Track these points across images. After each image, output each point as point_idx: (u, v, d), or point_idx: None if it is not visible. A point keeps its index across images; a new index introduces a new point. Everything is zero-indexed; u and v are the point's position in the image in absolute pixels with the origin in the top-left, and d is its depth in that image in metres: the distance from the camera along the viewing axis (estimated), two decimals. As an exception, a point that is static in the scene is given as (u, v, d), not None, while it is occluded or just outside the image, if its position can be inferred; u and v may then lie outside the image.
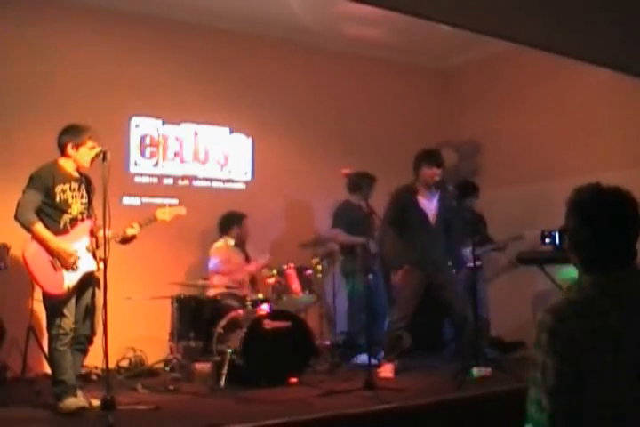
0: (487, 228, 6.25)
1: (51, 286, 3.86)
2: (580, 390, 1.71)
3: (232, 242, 5.80)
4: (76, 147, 4.02)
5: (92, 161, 4.06)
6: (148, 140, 6.16)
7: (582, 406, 1.71)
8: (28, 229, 3.89)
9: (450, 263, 5.32)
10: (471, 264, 5.30)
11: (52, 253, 3.87)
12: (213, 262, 5.66)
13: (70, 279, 3.90)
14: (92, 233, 4.04)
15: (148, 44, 6.08)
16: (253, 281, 5.85)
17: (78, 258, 3.93)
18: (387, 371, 5.00)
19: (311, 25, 6.48)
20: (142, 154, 6.14)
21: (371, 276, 5.72)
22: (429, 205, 5.21)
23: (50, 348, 3.96)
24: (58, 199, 3.96)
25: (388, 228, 5.30)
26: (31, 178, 3.97)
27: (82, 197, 4.08)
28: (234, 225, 5.81)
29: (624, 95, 5.90)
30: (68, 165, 4.07)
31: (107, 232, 3.84)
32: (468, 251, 5.73)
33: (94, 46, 5.83)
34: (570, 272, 1.85)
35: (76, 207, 4.03)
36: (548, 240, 5.74)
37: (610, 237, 1.81)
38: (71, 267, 3.90)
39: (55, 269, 3.87)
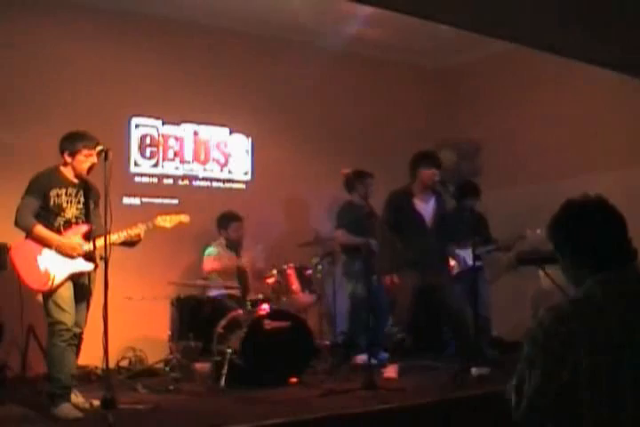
0: (489, 228, 6.24)
1: (34, 282, 3.93)
2: (563, 393, 1.72)
3: (223, 243, 5.79)
4: (72, 155, 4.07)
5: (89, 169, 4.10)
6: (148, 140, 6.16)
7: (562, 407, 1.73)
8: (30, 233, 3.97)
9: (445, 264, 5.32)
10: (473, 265, 5.31)
11: (57, 249, 3.95)
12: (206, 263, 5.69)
13: (56, 277, 3.93)
14: (87, 237, 4.05)
15: (148, 43, 6.08)
16: (246, 285, 5.83)
17: (82, 249, 3.99)
18: (390, 371, 4.99)
19: (311, 25, 6.48)
20: (142, 154, 6.13)
21: (375, 276, 5.73)
22: (426, 207, 5.19)
23: (49, 343, 3.96)
24: (52, 203, 4.02)
25: (384, 231, 5.29)
26: (29, 183, 4.05)
27: (79, 202, 4.12)
28: (221, 229, 5.80)
29: (624, 95, 5.90)
30: (67, 170, 4.13)
31: (109, 233, 3.86)
32: (463, 252, 5.73)
33: (94, 46, 5.82)
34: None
35: (71, 211, 4.08)
36: None
37: (593, 238, 1.86)
38: (77, 256, 3.98)
39: (40, 266, 3.92)
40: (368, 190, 5.71)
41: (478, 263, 5.59)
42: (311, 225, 6.60)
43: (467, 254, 5.69)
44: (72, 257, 3.98)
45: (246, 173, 6.63)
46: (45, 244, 3.96)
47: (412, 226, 5.15)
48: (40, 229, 3.95)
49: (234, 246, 5.83)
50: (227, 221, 5.78)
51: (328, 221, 6.17)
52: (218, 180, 6.48)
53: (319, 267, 5.67)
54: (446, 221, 5.23)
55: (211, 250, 5.75)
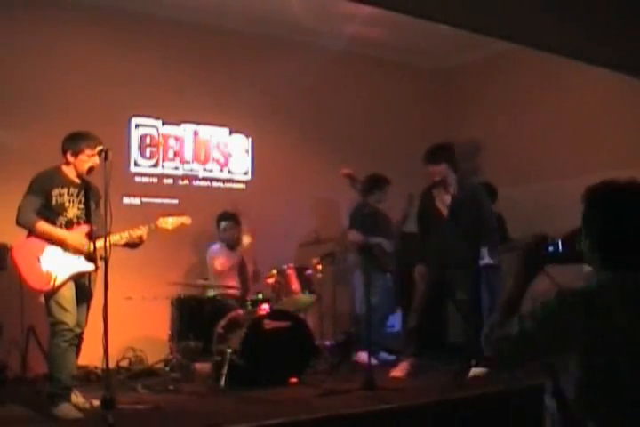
0: (507, 228, 6.22)
1: (35, 282, 3.93)
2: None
3: (223, 243, 5.80)
4: (75, 155, 4.08)
5: (90, 170, 4.11)
6: (148, 140, 6.15)
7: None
8: (32, 229, 3.97)
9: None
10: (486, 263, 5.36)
11: (60, 243, 3.96)
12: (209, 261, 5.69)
13: (58, 277, 3.94)
14: (88, 237, 4.05)
15: (148, 44, 6.08)
16: (245, 284, 5.84)
17: (87, 242, 4.00)
18: (397, 370, 4.99)
19: (311, 25, 6.48)
20: (142, 154, 6.13)
21: (388, 275, 5.76)
22: (443, 202, 5.23)
23: (50, 343, 3.96)
24: (54, 202, 4.03)
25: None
26: (31, 182, 4.05)
27: (80, 202, 4.13)
28: (217, 229, 5.82)
29: (624, 94, 5.90)
30: (69, 170, 4.13)
31: (110, 233, 3.87)
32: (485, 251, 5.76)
33: (94, 46, 5.81)
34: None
35: (73, 211, 4.09)
36: (551, 248, 5.75)
37: (630, 228, 1.80)
38: (83, 250, 3.98)
39: (42, 266, 3.93)
40: (374, 193, 5.76)
41: (494, 262, 5.62)
42: (311, 225, 6.60)
43: (483, 253, 5.73)
44: (80, 252, 3.97)
45: (246, 173, 6.63)
46: (49, 239, 3.95)
47: (431, 220, 5.24)
48: (42, 225, 3.95)
49: (232, 246, 5.84)
50: (218, 221, 5.83)
51: (328, 221, 6.16)
52: (218, 180, 6.48)
53: (319, 267, 5.67)
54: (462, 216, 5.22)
55: (213, 249, 5.76)
